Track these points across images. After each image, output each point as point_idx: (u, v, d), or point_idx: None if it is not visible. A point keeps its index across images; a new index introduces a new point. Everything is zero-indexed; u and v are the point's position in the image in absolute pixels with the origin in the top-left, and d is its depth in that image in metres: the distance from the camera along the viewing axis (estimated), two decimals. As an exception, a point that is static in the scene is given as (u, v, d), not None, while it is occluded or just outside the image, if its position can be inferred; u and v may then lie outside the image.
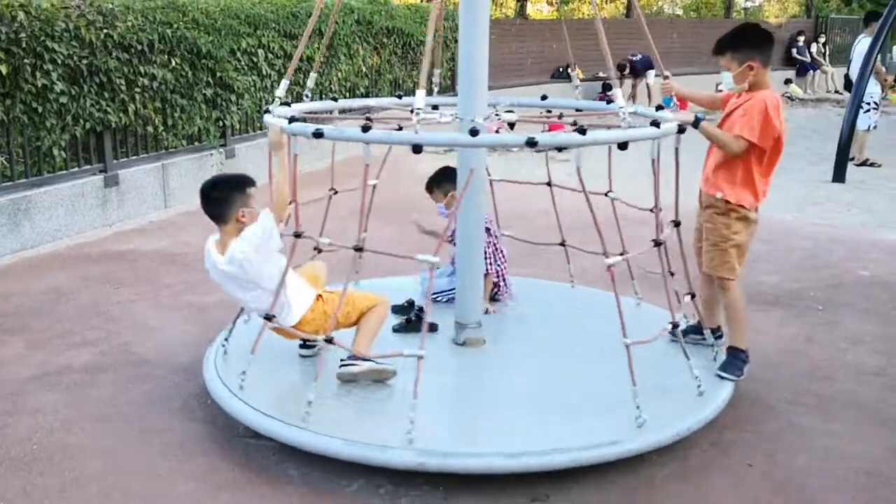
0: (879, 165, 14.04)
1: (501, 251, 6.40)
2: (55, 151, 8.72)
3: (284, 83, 5.27)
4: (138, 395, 5.24)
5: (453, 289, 5.95)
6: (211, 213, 4.85)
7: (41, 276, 7.61)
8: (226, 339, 5.38)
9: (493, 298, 6.36)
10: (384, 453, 4.19)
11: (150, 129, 9.99)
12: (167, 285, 7.39)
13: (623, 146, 4.45)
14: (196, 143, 10.87)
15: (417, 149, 4.24)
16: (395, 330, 5.79)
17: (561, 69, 22.12)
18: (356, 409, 4.66)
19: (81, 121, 8.92)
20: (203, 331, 6.20)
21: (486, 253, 6.01)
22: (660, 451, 4.45)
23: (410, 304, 6.11)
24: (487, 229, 6.12)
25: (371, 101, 6.75)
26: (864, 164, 14.06)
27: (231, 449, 4.62)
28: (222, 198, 4.80)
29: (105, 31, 9.06)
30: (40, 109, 8.39)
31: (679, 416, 4.58)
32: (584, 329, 5.85)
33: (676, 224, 5.14)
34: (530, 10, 24.55)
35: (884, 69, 15.09)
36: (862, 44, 14.12)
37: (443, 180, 6.19)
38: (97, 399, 5.19)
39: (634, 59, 21.78)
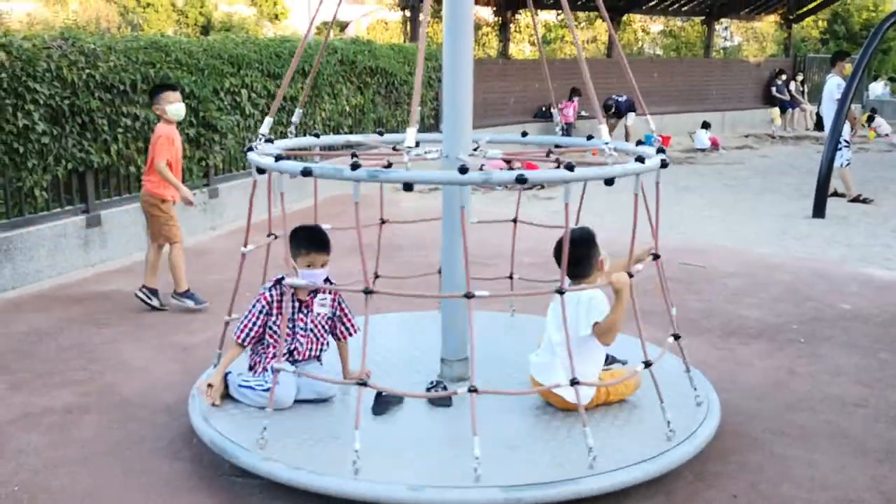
0: (871, 201, 14.13)
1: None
2: (37, 192, 8.71)
3: (268, 121, 5.31)
4: (122, 436, 5.22)
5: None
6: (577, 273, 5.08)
7: (23, 316, 7.58)
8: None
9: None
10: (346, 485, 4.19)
11: (132, 169, 9.98)
12: (151, 325, 7.37)
13: (609, 182, 4.50)
14: (179, 183, 10.87)
15: (409, 187, 4.31)
16: (379, 413, 5.13)
17: (543, 108, 22.24)
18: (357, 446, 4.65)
19: (63, 161, 8.92)
20: (187, 370, 6.18)
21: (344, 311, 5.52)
22: (645, 483, 4.45)
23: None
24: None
25: (354, 137, 6.75)
26: (856, 199, 14.15)
27: (217, 488, 4.60)
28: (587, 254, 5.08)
29: (87, 71, 9.09)
30: (21, 150, 8.39)
31: (663, 449, 4.59)
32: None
33: (656, 257, 5.17)
34: (513, 50, 24.67)
35: (854, 109, 15.26)
36: (829, 83, 14.27)
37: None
38: (80, 440, 5.16)
39: (620, 100, 21.97)
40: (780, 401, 5.78)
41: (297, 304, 5.31)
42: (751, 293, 8.40)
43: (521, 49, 31.11)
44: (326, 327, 5.48)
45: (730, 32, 39.80)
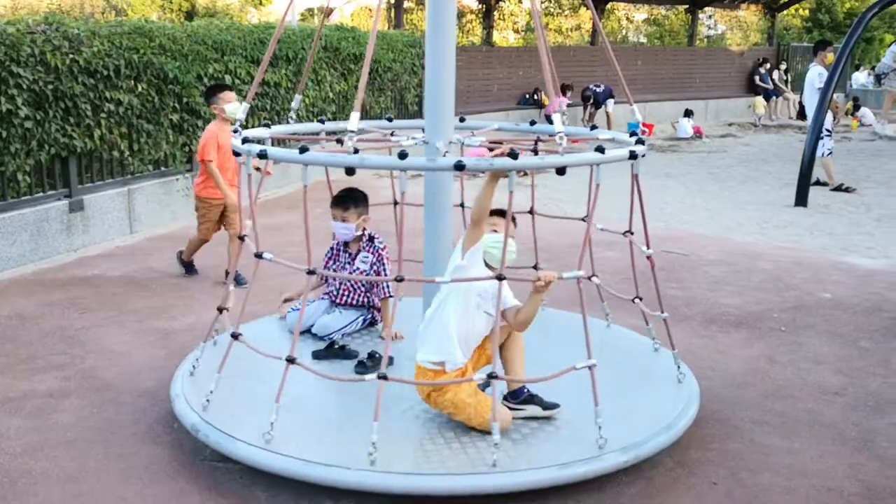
0: (854, 190, 14.20)
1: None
2: (20, 176, 8.68)
3: (245, 105, 5.26)
4: (103, 420, 5.21)
5: (348, 324, 6.20)
6: None
7: (4, 301, 7.55)
8: (194, 365, 5.35)
9: (373, 323, 6.46)
10: (343, 474, 4.21)
11: (115, 154, 9.96)
12: (133, 310, 7.36)
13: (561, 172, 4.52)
14: (162, 169, 10.85)
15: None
16: (315, 357, 5.81)
17: (527, 95, 22.24)
18: (319, 429, 4.66)
19: (46, 146, 8.89)
20: (169, 355, 6.19)
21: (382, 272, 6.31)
22: (626, 470, 4.48)
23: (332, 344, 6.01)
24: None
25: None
26: (838, 188, 14.23)
27: (198, 472, 4.60)
28: None
29: (71, 56, 9.05)
30: (4, 134, 8.35)
31: (645, 435, 4.61)
32: (548, 350, 5.88)
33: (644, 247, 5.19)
34: (497, 37, 24.67)
35: (836, 99, 15.30)
36: (811, 72, 14.30)
37: (360, 200, 6.28)
38: (61, 424, 5.16)
39: (598, 89, 22.01)
40: (761, 389, 5.81)
41: (346, 255, 6.38)
42: (732, 281, 8.44)
43: (504, 36, 31.10)
44: (365, 283, 6.32)
45: (714, 21, 39.90)
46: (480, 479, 4.20)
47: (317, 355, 5.79)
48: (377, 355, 5.61)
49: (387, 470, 4.21)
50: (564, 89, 21.62)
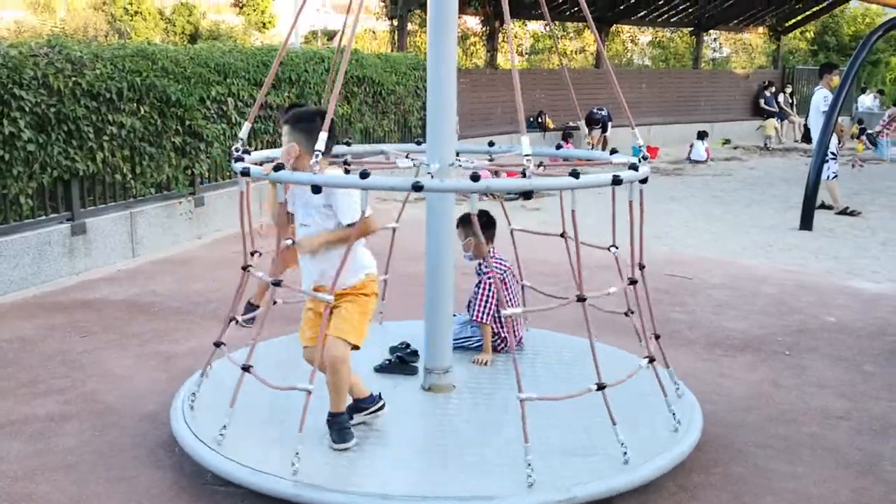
0: (859, 213, 14.19)
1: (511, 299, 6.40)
2: (22, 199, 8.67)
3: (247, 126, 5.26)
4: (104, 444, 5.19)
5: (469, 337, 6.29)
6: None
7: (6, 324, 7.54)
8: (195, 392, 5.32)
9: (495, 350, 6.35)
10: (349, 499, 4.18)
11: (118, 177, 9.95)
12: (135, 334, 7.34)
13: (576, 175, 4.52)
14: (165, 192, 10.84)
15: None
16: (377, 370, 5.90)
17: (532, 118, 22.24)
18: (326, 455, 4.64)
19: (49, 169, 8.88)
20: (171, 379, 6.17)
21: (488, 300, 6.19)
22: (627, 493, 4.45)
23: (406, 346, 6.15)
24: (503, 279, 6.29)
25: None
26: (843, 212, 14.21)
27: (199, 497, 4.58)
28: None
29: (74, 78, 9.06)
30: (7, 157, 8.34)
31: (647, 459, 4.59)
32: (554, 372, 5.87)
33: (641, 267, 5.19)
34: (501, 59, 24.69)
35: (841, 122, 15.32)
36: (816, 95, 14.30)
37: (465, 222, 6.20)
38: (62, 448, 5.14)
39: (603, 113, 22.02)
40: (764, 413, 5.78)
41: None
42: (736, 305, 8.41)
43: (508, 59, 31.15)
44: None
45: (719, 44, 39.94)
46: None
47: (378, 369, 5.91)
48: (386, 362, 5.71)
49: (384, 493, 4.19)
50: (567, 136, 21.59)
